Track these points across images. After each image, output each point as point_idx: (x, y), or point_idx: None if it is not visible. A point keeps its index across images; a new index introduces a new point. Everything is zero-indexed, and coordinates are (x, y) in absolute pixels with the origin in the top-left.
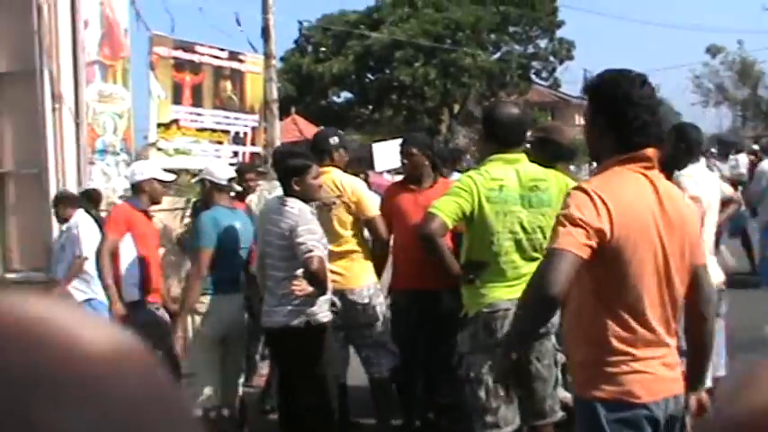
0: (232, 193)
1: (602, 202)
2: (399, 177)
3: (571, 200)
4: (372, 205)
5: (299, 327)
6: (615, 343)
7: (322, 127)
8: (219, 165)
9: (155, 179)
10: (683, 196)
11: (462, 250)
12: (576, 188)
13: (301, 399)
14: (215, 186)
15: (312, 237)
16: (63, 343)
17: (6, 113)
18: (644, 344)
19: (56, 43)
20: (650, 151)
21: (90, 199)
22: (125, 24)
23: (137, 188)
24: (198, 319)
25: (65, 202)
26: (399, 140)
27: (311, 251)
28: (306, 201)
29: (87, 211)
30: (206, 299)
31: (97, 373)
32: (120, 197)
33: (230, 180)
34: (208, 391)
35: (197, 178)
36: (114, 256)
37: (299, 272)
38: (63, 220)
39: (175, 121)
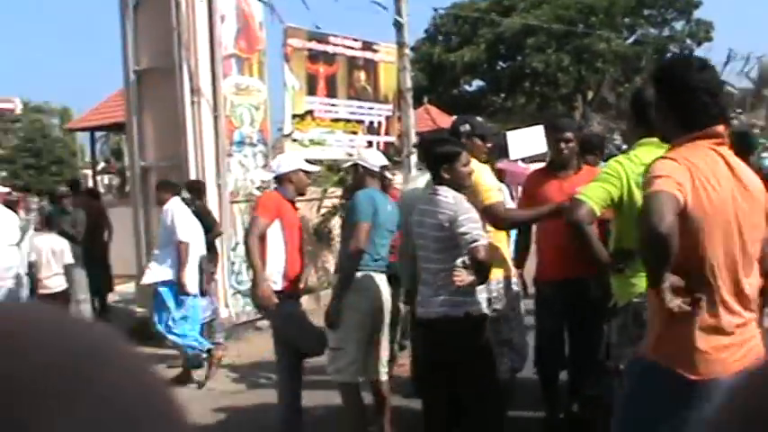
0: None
1: (684, 166)
2: (535, 165)
3: (655, 166)
4: (489, 193)
5: (458, 317)
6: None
7: (455, 116)
8: (372, 152)
9: (301, 170)
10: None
11: (611, 238)
12: (658, 158)
13: (465, 390)
14: (367, 172)
15: (474, 225)
16: (49, 345)
17: (148, 108)
18: (711, 315)
19: (194, 38)
20: (720, 128)
21: (191, 189)
22: (260, 18)
23: (282, 179)
24: (352, 294)
25: (161, 188)
26: (535, 128)
27: (476, 240)
28: (457, 189)
29: (186, 201)
30: (360, 274)
31: (84, 373)
32: (258, 188)
33: (383, 167)
34: (352, 367)
35: (348, 163)
36: (261, 240)
37: (459, 262)
38: (161, 204)
39: (310, 112)
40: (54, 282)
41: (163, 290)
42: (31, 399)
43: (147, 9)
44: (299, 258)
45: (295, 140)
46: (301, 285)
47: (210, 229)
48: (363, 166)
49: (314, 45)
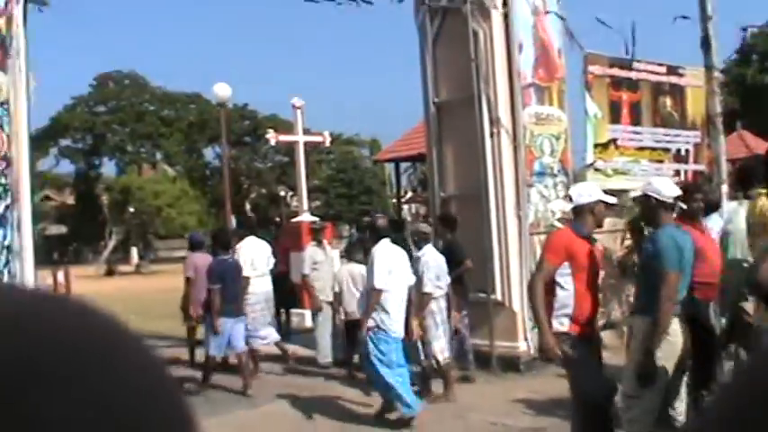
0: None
1: None
2: None
3: None
4: None
5: None
6: None
7: None
8: (665, 181)
9: (600, 201)
10: None
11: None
12: None
13: None
14: (661, 204)
15: None
16: (51, 331)
17: (447, 139)
18: None
19: (492, 69)
20: None
21: (445, 221)
22: (559, 45)
23: (580, 211)
24: (666, 343)
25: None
26: None
27: None
28: None
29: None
30: (675, 323)
31: (87, 359)
32: (559, 220)
33: (676, 198)
34: (648, 417)
35: (636, 193)
36: (549, 283)
37: None
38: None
39: (613, 141)
40: (355, 308)
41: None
42: (37, 382)
43: (446, 42)
44: (590, 300)
45: (597, 170)
46: (598, 324)
47: (461, 262)
48: (656, 198)
49: (616, 71)
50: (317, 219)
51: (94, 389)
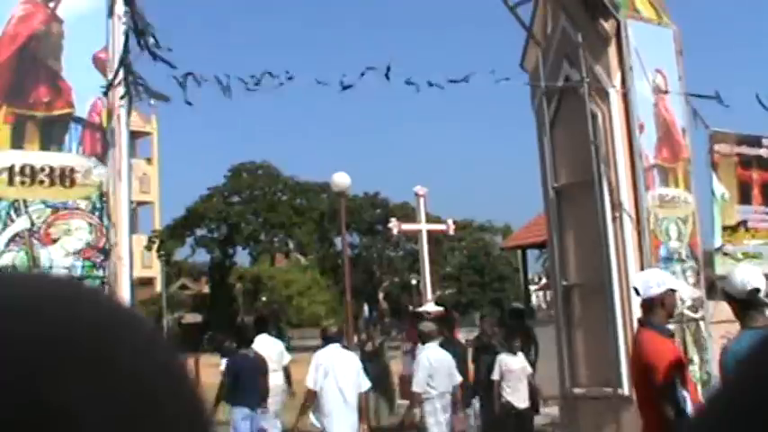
0: None
1: None
2: None
3: None
4: None
5: None
6: None
7: None
8: (746, 271)
9: (671, 290)
10: None
11: None
12: None
13: None
14: (737, 301)
15: None
16: (64, 319)
17: (568, 225)
18: None
19: (612, 150)
20: None
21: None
22: (682, 124)
23: (651, 305)
24: None
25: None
26: None
27: None
28: None
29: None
30: None
31: (100, 347)
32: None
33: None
34: None
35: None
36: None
37: None
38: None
39: (743, 223)
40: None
41: None
42: (48, 373)
43: (564, 124)
44: None
45: (726, 254)
46: None
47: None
48: (727, 293)
49: (744, 149)
50: (440, 308)
51: (104, 373)
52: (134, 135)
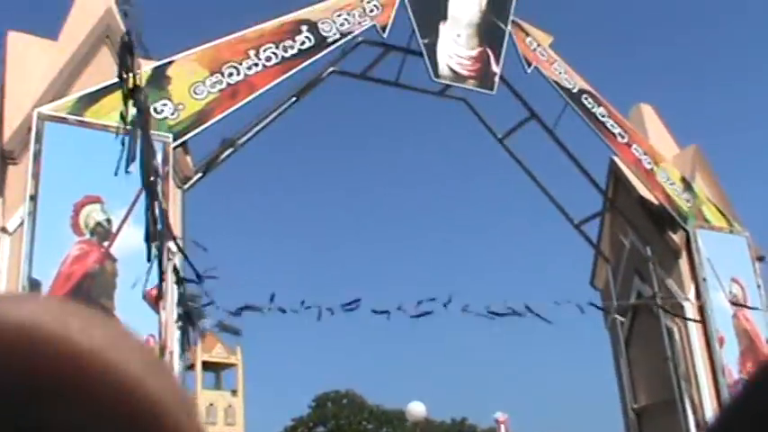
0: None
1: None
2: None
3: None
4: None
5: None
6: None
7: None
8: None
9: None
10: None
11: None
12: None
13: None
14: None
15: None
16: (55, 343)
17: None
18: None
19: (692, 367)
20: None
21: None
22: (766, 334)
23: None
24: None
25: None
26: None
27: None
28: None
29: None
30: None
31: (91, 370)
32: None
33: None
34: None
35: None
36: None
37: None
38: None
39: None
40: None
41: None
42: (41, 399)
43: (640, 342)
44: None
45: None
46: None
47: None
48: None
49: None
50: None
51: (97, 396)
52: (219, 366)
